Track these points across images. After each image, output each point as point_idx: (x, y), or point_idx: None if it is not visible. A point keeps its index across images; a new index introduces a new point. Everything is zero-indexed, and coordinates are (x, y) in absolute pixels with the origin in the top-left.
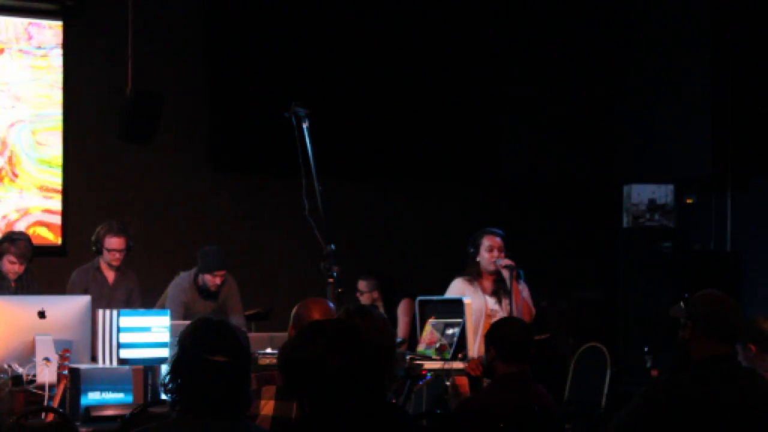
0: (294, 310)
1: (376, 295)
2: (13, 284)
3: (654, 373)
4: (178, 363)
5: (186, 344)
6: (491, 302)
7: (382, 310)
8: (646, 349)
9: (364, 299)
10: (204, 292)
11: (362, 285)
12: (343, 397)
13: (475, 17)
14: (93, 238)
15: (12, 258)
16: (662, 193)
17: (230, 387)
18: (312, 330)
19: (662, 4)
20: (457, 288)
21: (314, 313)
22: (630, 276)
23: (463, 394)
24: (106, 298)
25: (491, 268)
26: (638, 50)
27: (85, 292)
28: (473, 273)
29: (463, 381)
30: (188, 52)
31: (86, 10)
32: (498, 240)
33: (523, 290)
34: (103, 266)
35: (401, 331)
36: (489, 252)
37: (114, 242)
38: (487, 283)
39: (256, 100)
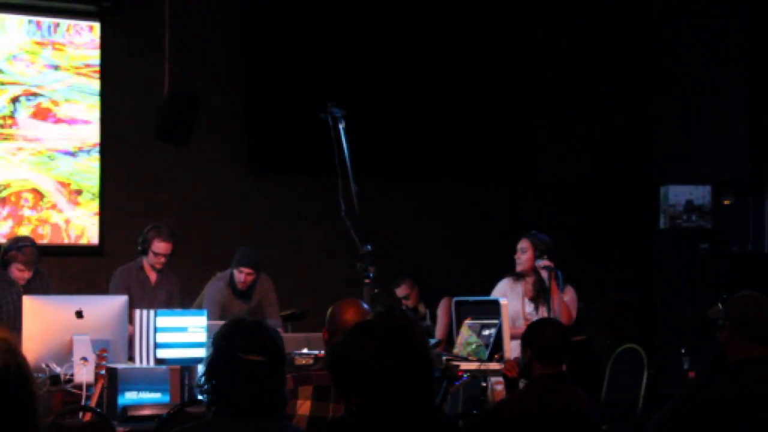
0: (329, 311)
1: (416, 292)
2: (22, 290)
3: (691, 374)
4: (213, 363)
5: (221, 344)
6: (530, 307)
7: (422, 307)
8: (683, 351)
9: (411, 302)
10: (238, 292)
11: (401, 291)
12: (391, 398)
13: (512, 17)
14: (141, 238)
15: (20, 266)
16: (699, 194)
17: (266, 386)
18: (361, 330)
19: (700, 6)
20: (501, 287)
21: (348, 315)
22: (667, 277)
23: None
24: (147, 297)
25: (521, 268)
26: (676, 50)
27: (127, 291)
28: (517, 274)
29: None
30: (225, 53)
31: (123, 11)
32: (529, 242)
33: (565, 294)
34: (146, 266)
35: (439, 331)
36: (521, 253)
37: (162, 247)
38: (529, 286)
39: (293, 100)
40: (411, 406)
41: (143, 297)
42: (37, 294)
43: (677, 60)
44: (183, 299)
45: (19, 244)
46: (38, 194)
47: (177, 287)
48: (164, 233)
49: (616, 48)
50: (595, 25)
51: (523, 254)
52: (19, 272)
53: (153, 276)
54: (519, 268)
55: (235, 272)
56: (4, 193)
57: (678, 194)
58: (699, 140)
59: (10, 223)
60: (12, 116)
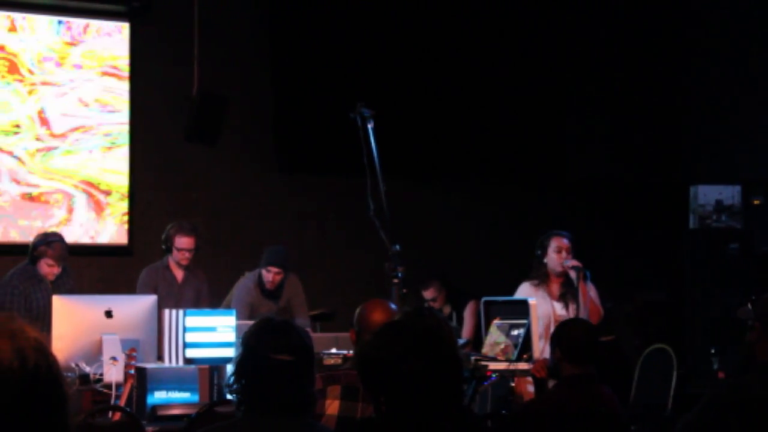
0: (356, 311)
1: (444, 294)
2: (50, 285)
3: (721, 375)
4: (242, 363)
5: (250, 344)
6: (558, 307)
7: (448, 308)
8: (712, 351)
9: (439, 304)
10: (266, 292)
11: (429, 293)
12: (420, 398)
13: (542, 17)
14: (163, 236)
15: (50, 261)
16: (729, 194)
17: (295, 386)
18: (390, 331)
19: (731, 6)
20: (523, 293)
21: (375, 315)
22: (696, 277)
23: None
24: (174, 296)
25: (559, 269)
26: (706, 50)
27: (154, 290)
28: (540, 276)
29: (525, 388)
30: (253, 54)
31: (153, 11)
32: (566, 242)
33: (590, 290)
34: (172, 265)
35: (466, 332)
36: (557, 254)
37: (184, 242)
38: (555, 287)
39: (321, 100)
40: (440, 407)
41: (170, 296)
42: (65, 290)
43: (708, 59)
44: (212, 298)
45: (48, 239)
46: (67, 195)
47: (206, 285)
48: (185, 228)
49: (646, 46)
50: (626, 23)
51: (562, 254)
52: (48, 267)
53: (180, 274)
54: (558, 269)
55: (264, 272)
56: (33, 193)
57: (707, 194)
58: (729, 140)
59: (39, 223)
60: (42, 116)
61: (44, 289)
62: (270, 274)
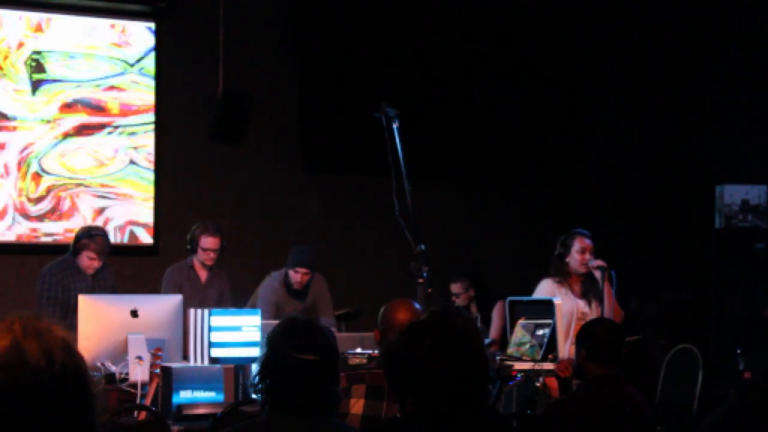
0: (381, 311)
1: (471, 293)
2: (90, 279)
3: (747, 375)
4: (267, 362)
5: (275, 343)
6: (582, 304)
7: (474, 308)
8: (738, 351)
9: (461, 300)
10: (293, 291)
11: (455, 287)
12: (445, 398)
13: (565, 16)
14: (188, 236)
15: (91, 254)
16: (755, 193)
17: (320, 385)
18: (417, 330)
19: (759, 5)
20: (546, 289)
21: (400, 315)
22: (722, 277)
23: (552, 396)
24: (199, 296)
25: (582, 270)
26: (732, 48)
27: (178, 289)
28: (563, 274)
29: (553, 383)
30: (279, 53)
31: (178, 11)
32: (589, 242)
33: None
34: (197, 265)
35: (493, 332)
36: (581, 254)
37: (209, 242)
38: (576, 286)
39: (346, 100)
40: (465, 406)
41: (194, 296)
42: (106, 286)
43: (733, 58)
44: (235, 298)
45: (91, 232)
46: (93, 193)
47: (228, 286)
48: (210, 228)
49: (671, 45)
50: (650, 23)
51: (586, 254)
52: (89, 260)
53: (204, 274)
54: (582, 269)
55: (291, 272)
56: (61, 193)
57: (733, 194)
58: (755, 139)
59: (65, 223)
60: (68, 116)
61: (83, 281)
62: (298, 275)
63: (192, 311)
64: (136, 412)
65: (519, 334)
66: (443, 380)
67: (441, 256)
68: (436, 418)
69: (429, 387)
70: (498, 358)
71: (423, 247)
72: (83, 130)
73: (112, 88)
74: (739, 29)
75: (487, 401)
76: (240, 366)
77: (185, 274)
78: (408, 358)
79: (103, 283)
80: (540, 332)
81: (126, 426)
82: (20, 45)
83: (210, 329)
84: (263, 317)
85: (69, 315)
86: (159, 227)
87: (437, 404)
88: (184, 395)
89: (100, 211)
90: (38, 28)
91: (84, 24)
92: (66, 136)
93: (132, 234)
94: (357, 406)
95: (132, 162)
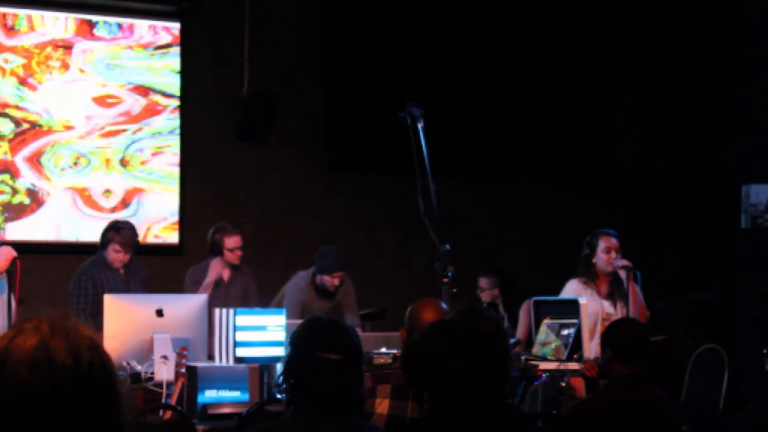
0: (407, 311)
1: (496, 292)
2: (122, 271)
3: None
4: (291, 362)
5: (299, 343)
6: (607, 305)
7: (501, 308)
8: (764, 351)
9: (485, 296)
10: (321, 291)
11: (483, 282)
12: (463, 396)
13: (588, 15)
14: (209, 242)
15: (117, 247)
16: None
17: (344, 385)
18: (436, 329)
19: None
20: (572, 290)
21: (426, 314)
22: (748, 277)
23: (577, 396)
24: (221, 295)
25: (609, 269)
26: (758, 46)
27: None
28: (589, 274)
29: (579, 383)
30: (304, 53)
31: (203, 11)
32: (614, 241)
33: (637, 292)
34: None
35: (520, 331)
36: (606, 253)
37: (233, 241)
38: (603, 286)
39: (371, 100)
40: (483, 405)
41: (217, 295)
42: (138, 279)
43: (759, 55)
44: (260, 296)
45: (118, 225)
46: (118, 195)
47: (254, 283)
48: (230, 228)
49: (696, 42)
50: (674, 20)
51: (612, 254)
52: (115, 253)
53: (226, 273)
54: (608, 268)
55: (326, 277)
56: (86, 193)
57: (759, 193)
58: None
59: (90, 222)
60: (94, 115)
61: (116, 276)
62: (336, 279)
63: (217, 311)
64: (161, 412)
65: (544, 333)
66: (459, 380)
67: (466, 256)
68: (452, 417)
69: (445, 386)
70: (523, 357)
71: (448, 246)
72: (109, 130)
73: (137, 88)
74: (764, 27)
75: (504, 400)
76: (265, 365)
77: (206, 274)
78: (425, 357)
79: (136, 276)
80: (565, 332)
81: (151, 425)
82: (47, 45)
83: (235, 329)
84: (289, 317)
85: (101, 312)
86: (184, 227)
87: (453, 403)
88: (209, 395)
89: (125, 210)
90: (64, 29)
91: (109, 24)
92: (89, 136)
93: (157, 234)
94: (382, 405)
95: (157, 162)
